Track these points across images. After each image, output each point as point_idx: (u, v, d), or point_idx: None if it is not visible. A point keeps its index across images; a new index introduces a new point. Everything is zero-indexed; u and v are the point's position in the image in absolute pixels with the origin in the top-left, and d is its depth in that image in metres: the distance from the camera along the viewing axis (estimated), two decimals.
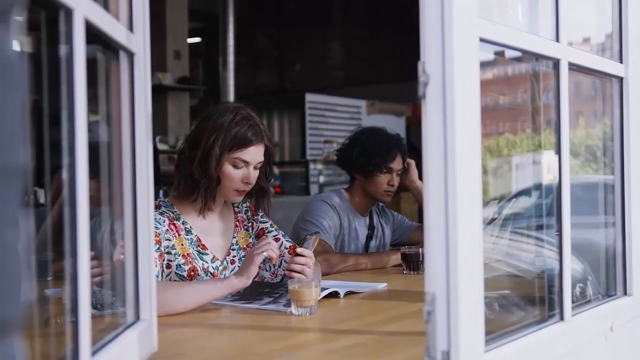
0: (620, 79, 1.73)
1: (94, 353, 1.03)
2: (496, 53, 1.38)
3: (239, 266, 2.17)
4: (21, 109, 0.53)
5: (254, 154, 2.09)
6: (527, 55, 1.51)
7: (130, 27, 1.29)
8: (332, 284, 2.14)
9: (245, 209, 2.30)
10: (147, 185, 1.32)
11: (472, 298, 1.13)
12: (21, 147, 0.53)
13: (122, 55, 1.27)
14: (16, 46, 0.54)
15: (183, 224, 2.11)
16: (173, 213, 2.11)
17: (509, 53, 1.46)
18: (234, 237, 2.23)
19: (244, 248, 2.24)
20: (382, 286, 2.25)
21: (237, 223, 2.26)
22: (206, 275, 2.09)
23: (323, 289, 1.94)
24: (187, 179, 2.10)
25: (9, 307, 0.52)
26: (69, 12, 0.94)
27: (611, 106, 1.78)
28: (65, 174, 0.96)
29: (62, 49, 0.96)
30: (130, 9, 1.30)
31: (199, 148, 2.06)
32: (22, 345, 0.56)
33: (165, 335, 1.49)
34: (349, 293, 2.08)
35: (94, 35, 1.05)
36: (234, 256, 2.21)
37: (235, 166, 2.08)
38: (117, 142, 1.29)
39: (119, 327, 1.25)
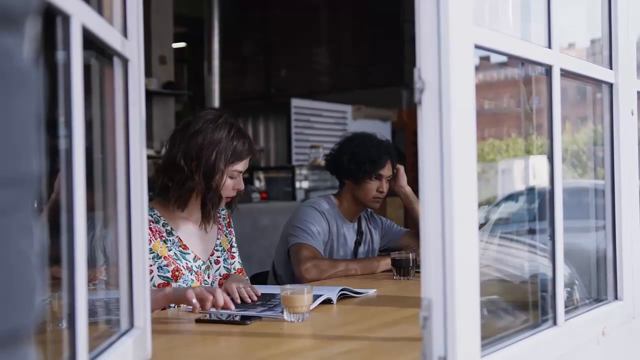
0: (610, 85, 1.74)
1: None
2: (481, 58, 1.38)
3: (224, 266, 2.28)
4: (35, 117, 0.52)
5: (247, 163, 2.23)
6: (514, 60, 1.52)
7: (125, 33, 1.28)
8: (324, 290, 2.13)
9: (223, 216, 2.37)
10: (141, 192, 1.31)
11: (469, 303, 1.13)
12: (35, 155, 0.52)
13: (116, 62, 1.26)
14: (29, 54, 0.54)
15: (163, 226, 2.17)
16: (152, 216, 2.16)
17: (495, 58, 1.46)
18: (218, 239, 2.31)
19: (227, 250, 2.33)
20: (372, 292, 2.25)
21: (220, 226, 2.35)
22: (190, 274, 2.15)
23: (316, 297, 1.94)
24: (186, 192, 2.14)
25: (24, 315, 0.51)
26: (66, 19, 0.94)
27: (600, 111, 1.79)
28: (61, 180, 0.95)
29: (59, 55, 0.95)
30: (124, 15, 1.29)
31: (200, 163, 2.11)
32: (35, 353, 0.55)
33: (159, 342, 1.48)
34: (342, 296, 2.08)
35: (88, 40, 1.04)
36: (217, 256, 2.28)
37: (232, 177, 2.19)
38: (111, 148, 1.28)
39: (114, 334, 1.24)
